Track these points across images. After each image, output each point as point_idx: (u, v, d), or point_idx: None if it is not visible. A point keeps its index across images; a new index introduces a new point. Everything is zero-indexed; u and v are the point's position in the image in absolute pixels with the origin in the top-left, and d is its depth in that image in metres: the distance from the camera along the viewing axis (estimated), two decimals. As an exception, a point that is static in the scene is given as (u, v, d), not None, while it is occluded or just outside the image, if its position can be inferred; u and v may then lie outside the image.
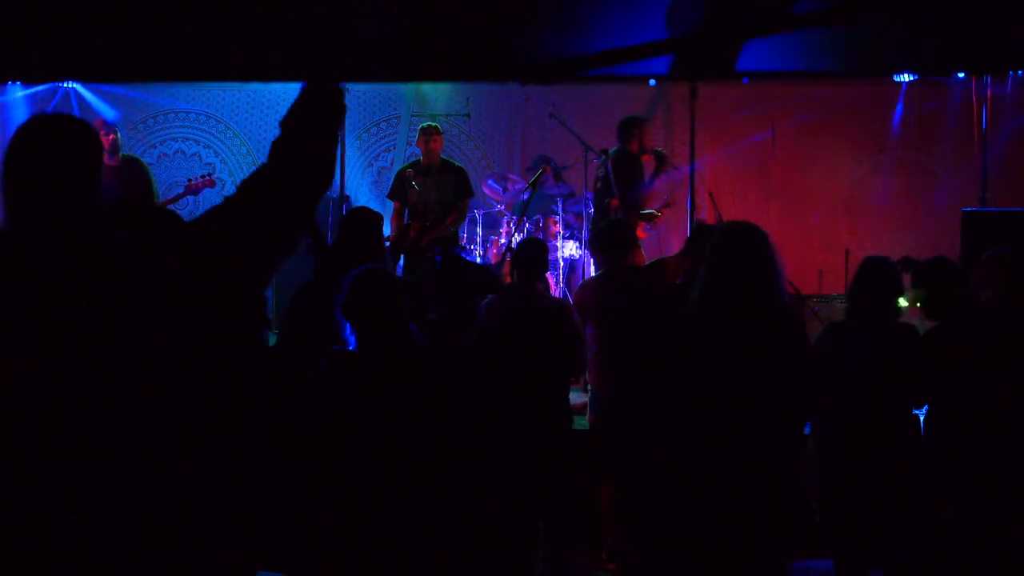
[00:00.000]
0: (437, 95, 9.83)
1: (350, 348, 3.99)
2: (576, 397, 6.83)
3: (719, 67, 7.48)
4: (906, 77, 8.86)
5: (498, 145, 9.99)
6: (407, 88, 9.83)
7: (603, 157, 7.92)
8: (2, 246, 2.23)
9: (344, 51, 7.29)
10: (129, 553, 2.19)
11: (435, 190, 8.07)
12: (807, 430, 4.23)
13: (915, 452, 4.34)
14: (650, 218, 8.01)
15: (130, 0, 7.05)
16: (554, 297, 5.70)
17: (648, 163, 7.98)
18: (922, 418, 4.48)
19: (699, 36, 6.85)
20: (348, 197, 9.70)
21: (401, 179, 8.14)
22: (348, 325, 3.89)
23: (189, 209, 8.35)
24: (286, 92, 9.72)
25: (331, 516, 4.03)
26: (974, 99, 8.82)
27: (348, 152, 9.86)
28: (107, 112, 9.22)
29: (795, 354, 3.79)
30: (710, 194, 8.65)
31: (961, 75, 8.72)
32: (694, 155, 9.41)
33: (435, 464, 3.80)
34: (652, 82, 9.45)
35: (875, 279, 4.44)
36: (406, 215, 8.14)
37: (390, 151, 10.03)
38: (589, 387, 5.60)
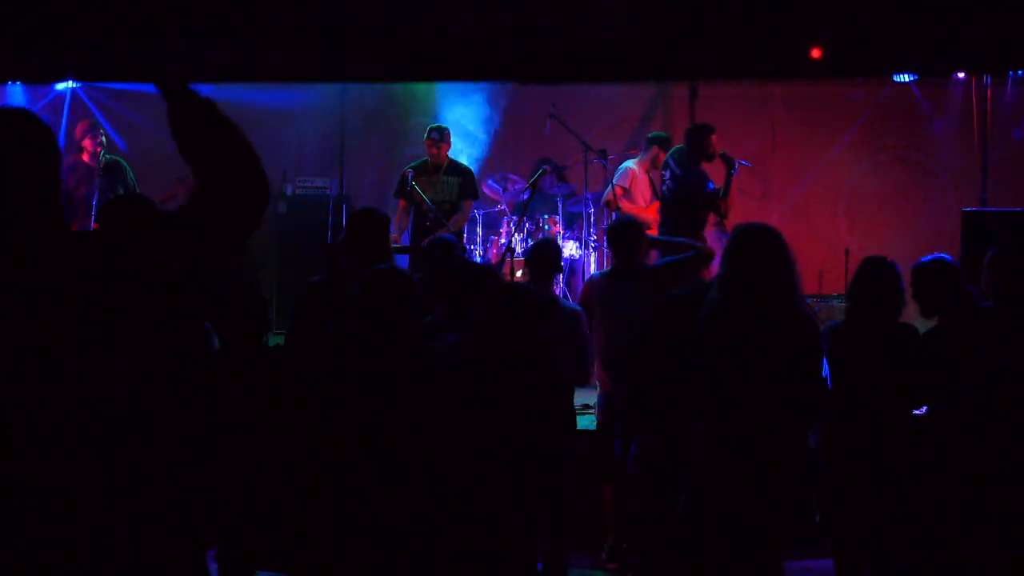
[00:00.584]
0: (438, 95, 9.82)
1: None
2: (582, 397, 6.85)
3: (719, 67, 7.49)
4: (906, 77, 8.85)
5: (498, 145, 9.99)
6: (407, 88, 9.82)
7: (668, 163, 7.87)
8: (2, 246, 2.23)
9: (344, 51, 7.29)
10: (129, 552, 2.19)
11: (440, 190, 8.07)
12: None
13: (915, 452, 4.34)
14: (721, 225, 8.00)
15: (130, 0, 7.06)
16: (570, 303, 5.68)
17: (716, 167, 7.96)
18: (922, 418, 4.48)
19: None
20: (348, 197, 9.71)
21: (406, 179, 8.13)
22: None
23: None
24: (286, 92, 9.73)
25: (331, 516, 4.03)
26: (974, 99, 8.82)
27: (348, 152, 9.87)
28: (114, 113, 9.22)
29: (806, 356, 3.79)
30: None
31: (961, 75, 8.72)
32: (694, 155, 9.41)
33: (436, 464, 3.80)
34: None
35: (875, 279, 4.44)
36: (411, 214, 8.14)
37: (390, 151, 10.03)
38: (598, 385, 5.60)
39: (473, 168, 8.64)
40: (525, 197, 8.46)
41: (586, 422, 6.30)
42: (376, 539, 3.78)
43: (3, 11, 7.04)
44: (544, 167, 8.58)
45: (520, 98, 9.58)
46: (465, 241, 8.62)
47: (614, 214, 8.26)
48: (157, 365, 2.25)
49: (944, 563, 4.29)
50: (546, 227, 8.79)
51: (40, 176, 2.26)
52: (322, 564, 4.35)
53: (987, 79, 8.70)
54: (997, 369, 4.21)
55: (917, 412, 4.50)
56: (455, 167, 8.21)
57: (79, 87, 9.46)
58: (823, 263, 8.98)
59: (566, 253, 8.76)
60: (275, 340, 5.23)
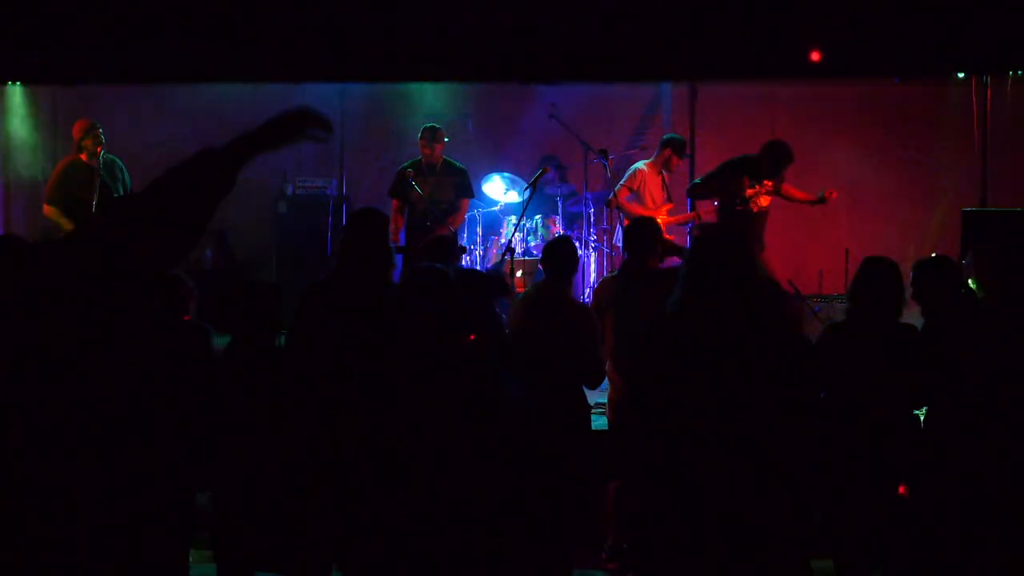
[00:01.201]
0: (437, 95, 9.82)
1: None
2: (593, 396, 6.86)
3: (719, 67, 7.49)
4: (906, 77, 8.85)
5: (498, 145, 9.99)
6: (407, 88, 9.82)
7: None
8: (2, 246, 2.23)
9: (344, 51, 7.30)
10: (129, 552, 2.19)
11: (436, 190, 8.08)
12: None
13: (915, 452, 4.34)
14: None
15: (130, 0, 7.06)
16: (581, 302, 5.68)
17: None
18: (922, 418, 4.48)
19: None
20: (348, 197, 9.71)
21: (401, 178, 8.14)
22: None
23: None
24: (286, 92, 9.73)
25: (331, 516, 4.03)
26: (974, 99, 8.82)
27: (348, 152, 9.86)
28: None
29: (791, 353, 3.79)
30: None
31: (961, 75, 8.72)
32: (694, 155, 9.42)
33: (441, 463, 3.80)
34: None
35: (875, 279, 4.44)
36: (406, 214, 8.14)
37: (390, 151, 10.03)
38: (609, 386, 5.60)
39: (473, 168, 8.65)
40: (525, 197, 8.47)
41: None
42: (376, 539, 3.78)
43: (3, 11, 7.05)
44: (544, 167, 8.59)
45: (520, 98, 9.58)
46: (464, 241, 8.62)
47: (620, 215, 8.27)
48: (157, 365, 2.25)
49: (944, 563, 4.29)
50: (546, 227, 8.78)
51: None
52: (322, 564, 4.36)
53: (987, 79, 8.69)
54: (997, 369, 4.21)
55: (917, 412, 4.51)
56: (450, 166, 8.21)
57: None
58: (823, 263, 8.98)
59: (566, 253, 8.75)
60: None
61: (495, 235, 8.94)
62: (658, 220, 8.20)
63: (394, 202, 8.16)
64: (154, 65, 7.46)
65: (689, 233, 8.23)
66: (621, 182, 8.42)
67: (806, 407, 3.99)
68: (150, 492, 2.23)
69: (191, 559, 4.39)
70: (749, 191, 7.74)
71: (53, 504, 2.12)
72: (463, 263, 7.54)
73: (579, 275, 8.91)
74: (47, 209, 7.85)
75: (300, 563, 4.22)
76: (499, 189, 9.15)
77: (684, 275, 3.88)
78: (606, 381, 5.42)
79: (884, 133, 9.55)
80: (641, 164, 8.49)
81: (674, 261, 7.31)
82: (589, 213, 8.82)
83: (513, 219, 8.55)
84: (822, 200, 7.95)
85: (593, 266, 8.83)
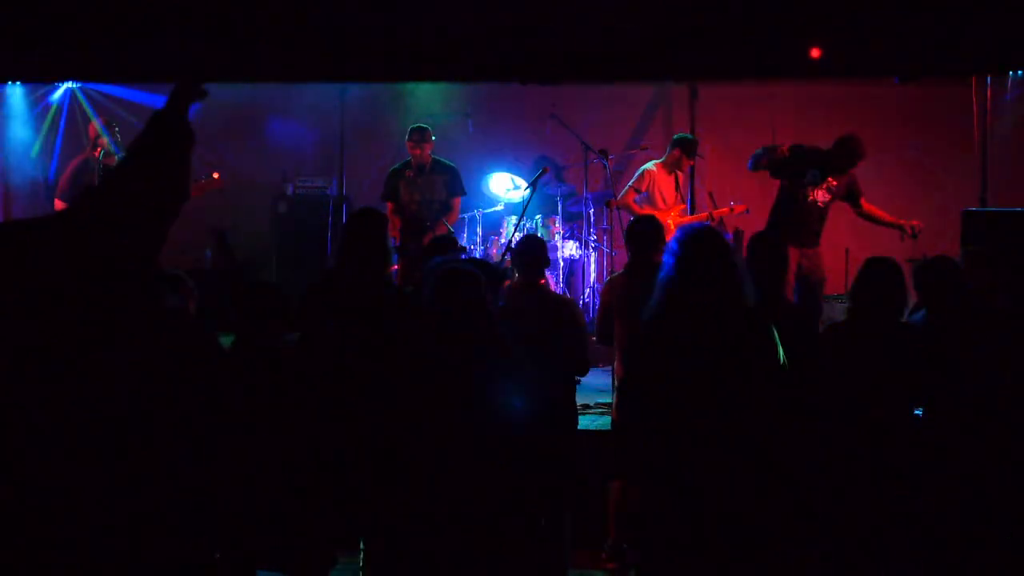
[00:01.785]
0: (437, 95, 9.82)
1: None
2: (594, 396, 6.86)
3: (719, 67, 7.49)
4: (906, 77, 8.85)
5: (498, 145, 9.99)
6: (407, 88, 9.82)
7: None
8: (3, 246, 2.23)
9: (344, 51, 7.29)
10: (129, 552, 2.19)
11: (427, 190, 8.10)
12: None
13: (915, 452, 4.34)
14: None
15: (130, 0, 7.06)
16: (557, 293, 5.72)
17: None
18: (922, 418, 4.48)
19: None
20: (348, 197, 9.71)
21: (393, 180, 8.18)
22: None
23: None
24: (286, 92, 9.72)
25: (331, 516, 4.03)
26: (974, 99, 8.81)
27: (348, 152, 9.86)
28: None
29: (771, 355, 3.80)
30: (710, 194, 8.66)
31: (961, 75, 8.71)
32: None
33: (436, 462, 3.80)
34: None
35: (876, 279, 4.44)
36: (401, 215, 8.17)
37: (390, 151, 10.03)
38: (616, 384, 5.61)
39: (472, 168, 8.65)
40: (525, 197, 8.47)
41: (586, 421, 6.31)
42: (376, 539, 3.78)
43: (3, 11, 7.05)
44: (544, 167, 8.59)
45: (520, 98, 9.58)
46: (464, 241, 8.63)
47: (620, 215, 8.28)
48: (157, 365, 2.25)
49: (944, 563, 4.29)
50: (546, 227, 8.79)
51: None
52: (322, 564, 4.36)
53: (987, 79, 8.69)
54: (997, 369, 4.21)
55: (917, 412, 4.50)
56: (440, 165, 8.23)
57: (78, 87, 9.47)
58: (823, 263, 8.97)
59: (566, 253, 8.76)
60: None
61: (495, 235, 8.95)
62: (667, 220, 8.26)
63: (388, 205, 8.19)
64: (154, 65, 7.45)
65: None
66: (629, 184, 8.44)
67: (806, 407, 4.00)
68: (150, 492, 2.23)
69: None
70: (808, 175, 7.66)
71: (53, 504, 2.12)
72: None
73: (579, 275, 8.95)
74: (58, 204, 7.99)
75: (300, 563, 4.23)
76: (503, 186, 9.15)
77: (669, 274, 3.88)
78: (609, 381, 5.45)
79: (884, 133, 9.55)
80: (650, 165, 8.49)
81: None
82: (589, 213, 8.82)
83: (513, 219, 8.55)
84: (902, 229, 7.67)
85: (593, 266, 8.84)
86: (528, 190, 8.25)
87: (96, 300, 2.16)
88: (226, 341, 4.27)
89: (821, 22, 7.33)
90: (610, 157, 8.65)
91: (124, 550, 2.17)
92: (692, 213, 8.82)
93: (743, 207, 8.45)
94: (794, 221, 7.37)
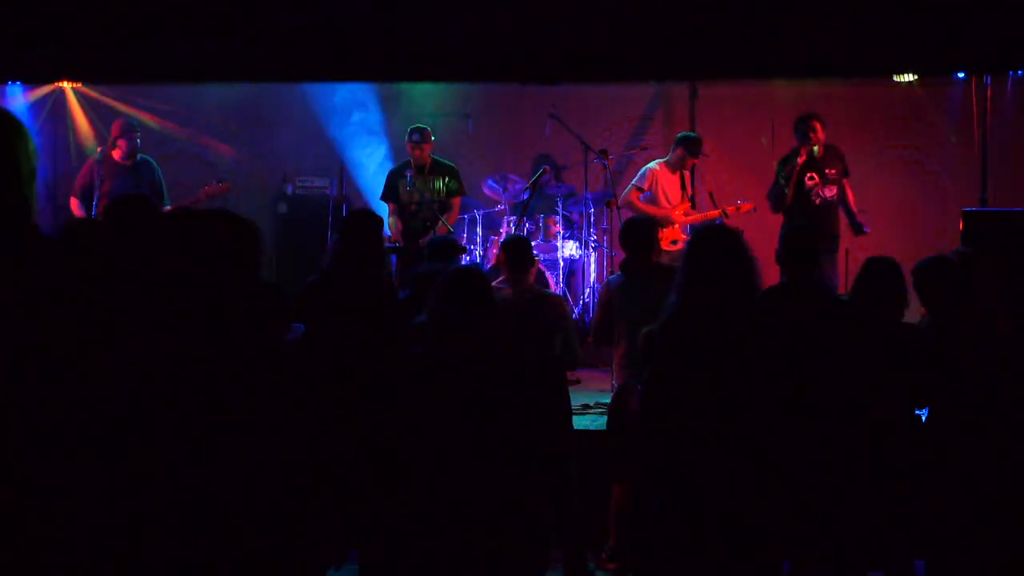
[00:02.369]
0: (437, 95, 9.83)
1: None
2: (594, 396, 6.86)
3: (719, 67, 7.48)
4: (906, 77, 8.85)
5: (498, 145, 9.99)
6: (407, 88, 9.83)
7: None
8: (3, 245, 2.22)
9: (344, 51, 7.29)
10: (129, 552, 2.19)
11: (427, 190, 8.12)
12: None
13: (915, 452, 4.34)
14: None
15: (130, 0, 7.05)
16: (543, 290, 5.76)
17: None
18: (922, 418, 4.48)
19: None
20: (348, 197, 9.72)
21: (392, 180, 8.21)
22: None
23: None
24: (286, 92, 9.73)
25: (331, 516, 4.03)
26: (974, 99, 8.81)
27: (348, 152, 9.87)
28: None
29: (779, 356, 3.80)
30: (710, 194, 8.65)
31: (961, 75, 8.71)
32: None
33: (436, 463, 3.80)
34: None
35: (876, 279, 4.44)
36: (401, 215, 8.19)
37: (390, 151, 10.03)
38: (614, 386, 5.62)
39: (472, 168, 8.66)
40: (525, 197, 8.47)
41: (586, 422, 6.31)
42: (376, 539, 3.78)
43: (3, 11, 7.04)
44: (544, 167, 8.59)
45: (520, 97, 9.58)
46: (464, 241, 8.64)
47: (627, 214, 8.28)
48: (157, 365, 2.25)
49: (944, 563, 4.29)
50: (546, 227, 8.79)
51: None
52: (322, 564, 4.36)
53: (987, 79, 8.69)
54: (997, 369, 4.21)
55: (917, 412, 4.51)
56: (439, 165, 8.26)
57: (72, 88, 9.50)
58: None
59: (566, 253, 8.76)
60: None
61: (495, 235, 8.95)
62: (672, 218, 8.26)
63: (389, 205, 8.22)
64: (154, 65, 7.45)
65: None
66: (632, 183, 8.45)
67: (806, 407, 4.00)
68: (150, 492, 2.23)
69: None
70: (809, 182, 7.74)
71: (53, 504, 2.12)
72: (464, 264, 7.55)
73: (579, 275, 8.94)
74: (73, 202, 8.07)
75: (300, 562, 4.22)
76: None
77: (679, 275, 3.89)
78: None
79: (884, 133, 9.55)
80: (653, 164, 8.51)
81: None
82: (589, 213, 8.82)
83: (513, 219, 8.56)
84: (854, 225, 7.95)
85: (593, 266, 8.83)
86: (528, 190, 8.25)
87: (96, 300, 2.16)
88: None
89: (821, 22, 7.32)
90: (610, 157, 8.65)
91: (124, 550, 2.17)
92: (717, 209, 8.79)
93: (750, 205, 8.43)
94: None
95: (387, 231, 7.93)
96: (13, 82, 9.03)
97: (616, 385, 5.54)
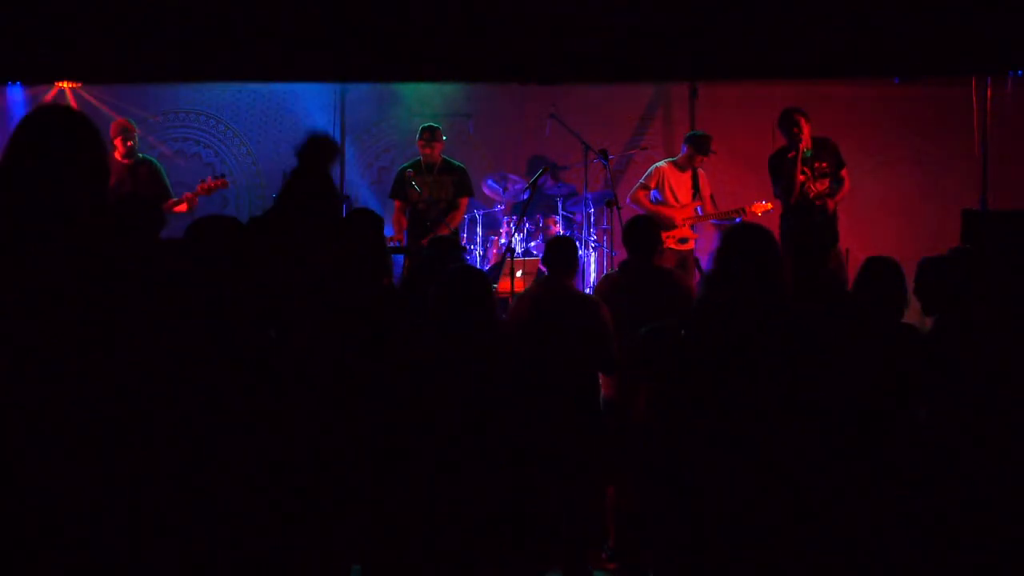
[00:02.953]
0: (437, 95, 9.83)
1: None
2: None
3: (719, 67, 7.49)
4: (906, 77, 8.85)
5: (498, 145, 9.99)
6: (407, 88, 9.83)
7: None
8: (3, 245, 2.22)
9: (344, 51, 7.29)
10: (128, 552, 2.19)
11: (435, 189, 8.13)
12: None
13: (915, 452, 4.34)
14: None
15: (130, 0, 7.06)
16: (588, 293, 5.72)
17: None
18: (922, 418, 4.48)
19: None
20: (348, 197, 9.71)
21: (401, 179, 8.22)
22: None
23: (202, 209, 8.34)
24: (286, 92, 9.73)
25: (332, 516, 4.03)
26: (974, 99, 8.81)
27: (348, 152, 9.86)
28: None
29: (803, 354, 3.80)
30: (711, 196, 8.65)
31: (961, 75, 8.71)
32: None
33: (436, 463, 3.80)
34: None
35: (876, 279, 4.44)
36: (408, 214, 8.20)
37: (390, 151, 10.03)
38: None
39: (472, 168, 8.66)
40: (525, 197, 8.47)
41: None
42: (375, 539, 3.78)
43: (3, 11, 7.05)
44: (544, 166, 8.60)
45: (520, 97, 9.57)
46: (465, 241, 8.64)
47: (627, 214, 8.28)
48: (157, 365, 2.25)
49: (944, 563, 4.29)
50: (546, 227, 8.79)
51: (82, 173, 2.27)
52: (322, 564, 4.35)
53: (987, 79, 8.69)
54: (997, 369, 4.20)
55: (917, 412, 4.50)
56: (449, 165, 8.27)
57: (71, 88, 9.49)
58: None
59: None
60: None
61: (495, 235, 8.95)
62: (675, 220, 8.27)
63: (396, 203, 8.25)
64: (154, 65, 7.45)
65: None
66: (640, 182, 8.49)
67: (806, 407, 3.99)
68: (150, 492, 2.23)
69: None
70: (800, 176, 7.72)
71: (53, 504, 2.12)
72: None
73: (579, 275, 8.93)
74: None
75: (300, 563, 4.22)
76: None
77: (708, 274, 3.90)
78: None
79: (884, 133, 9.55)
80: (661, 163, 8.55)
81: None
82: (589, 213, 8.82)
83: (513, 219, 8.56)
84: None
85: (593, 266, 8.83)
86: (528, 191, 8.25)
87: (96, 300, 2.16)
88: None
89: (821, 22, 7.33)
90: (610, 157, 8.65)
91: (124, 550, 2.17)
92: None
93: (768, 206, 8.36)
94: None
95: (390, 230, 7.94)
96: (13, 82, 9.02)
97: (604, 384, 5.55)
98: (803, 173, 7.75)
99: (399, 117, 9.85)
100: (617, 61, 7.48)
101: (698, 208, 8.52)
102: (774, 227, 7.32)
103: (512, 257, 7.95)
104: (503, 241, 8.62)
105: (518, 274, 8.07)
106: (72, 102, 9.67)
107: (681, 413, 3.79)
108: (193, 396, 2.74)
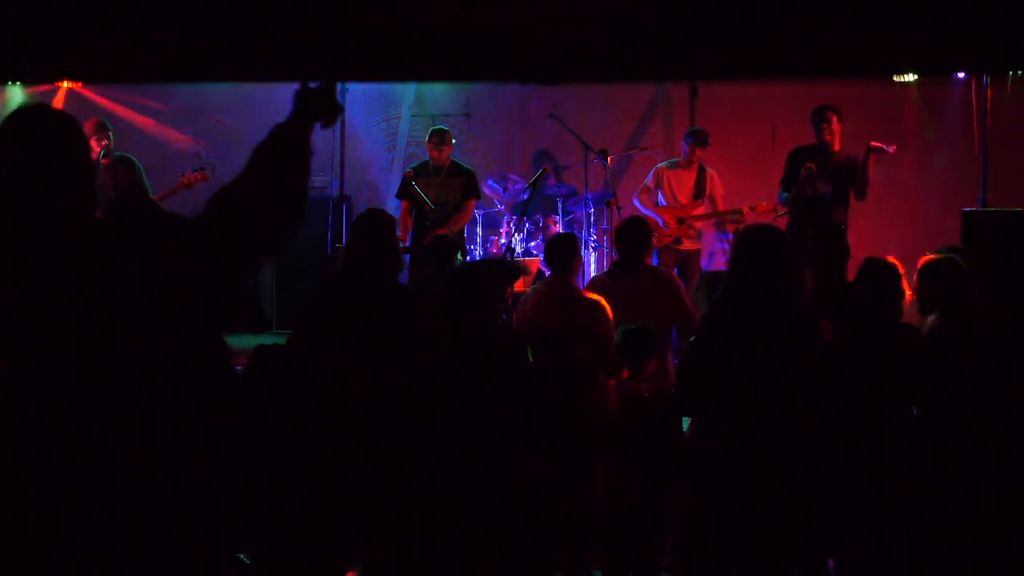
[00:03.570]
0: (437, 95, 9.83)
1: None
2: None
3: (719, 67, 7.48)
4: (906, 77, 8.86)
5: (498, 145, 9.99)
6: (407, 88, 9.83)
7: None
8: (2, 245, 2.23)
9: (344, 51, 7.30)
10: (128, 552, 2.19)
11: (442, 191, 8.13)
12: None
13: (915, 452, 4.34)
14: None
15: (130, 0, 7.06)
16: (591, 295, 5.72)
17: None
18: (922, 418, 4.48)
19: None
20: (348, 197, 9.71)
21: (409, 180, 8.22)
22: None
23: (190, 205, 8.33)
24: (286, 92, 9.71)
25: (332, 516, 4.03)
26: (974, 99, 8.81)
27: (348, 152, 9.86)
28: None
29: (811, 356, 3.81)
30: (711, 196, 8.65)
31: (961, 75, 8.71)
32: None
33: (437, 463, 3.80)
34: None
35: (875, 279, 4.44)
36: (414, 215, 8.21)
37: (390, 151, 10.03)
38: None
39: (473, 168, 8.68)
40: (525, 197, 8.47)
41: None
42: (376, 538, 3.78)
43: (3, 11, 7.04)
44: (545, 166, 8.60)
45: (520, 97, 9.58)
46: (465, 241, 8.64)
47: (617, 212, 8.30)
48: (157, 365, 2.25)
49: (944, 563, 4.29)
50: (546, 227, 8.80)
51: (67, 171, 2.27)
52: (321, 564, 4.36)
53: (987, 79, 8.69)
54: (997, 369, 4.21)
55: (917, 412, 4.50)
56: (457, 168, 8.27)
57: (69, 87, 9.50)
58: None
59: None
60: (277, 340, 5.23)
61: (495, 235, 8.96)
62: (665, 221, 8.27)
63: (403, 204, 8.25)
64: (154, 65, 7.45)
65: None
66: (644, 183, 8.54)
67: (806, 406, 4.00)
68: (150, 492, 2.22)
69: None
70: (804, 171, 7.67)
71: (53, 504, 2.12)
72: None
73: (580, 275, 8.93)
74: None
75: (299, 562, 4.22)
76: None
77: (727, 275, 3.92)
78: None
79: (884, 133, 9.55)
80: (662, 163, 8.58)
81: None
82: (589, 213, 8.83)
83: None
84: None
85: (593, 266, 8.84)
86: (528, 191, 8.25)
87: (96, 300, 2.16)
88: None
89: (821, 22, 7.33)
90: (610, 157, 8.66)
91: (124, 550, 2.17)
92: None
93: (769, 206, 8.35)
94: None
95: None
96: (13, 82, 9.02)
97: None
98: (808, 168, 7.68)
99: (399, 117, 9.85)
100: (617, 61, 7.48)
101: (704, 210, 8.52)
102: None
103: (512, 257, 7.95)
104: (503, 241, 8.62)
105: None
106: (93, 97, 9.67)
107: (684, 413, 3.79)
108: (193, 396, 2.74)
